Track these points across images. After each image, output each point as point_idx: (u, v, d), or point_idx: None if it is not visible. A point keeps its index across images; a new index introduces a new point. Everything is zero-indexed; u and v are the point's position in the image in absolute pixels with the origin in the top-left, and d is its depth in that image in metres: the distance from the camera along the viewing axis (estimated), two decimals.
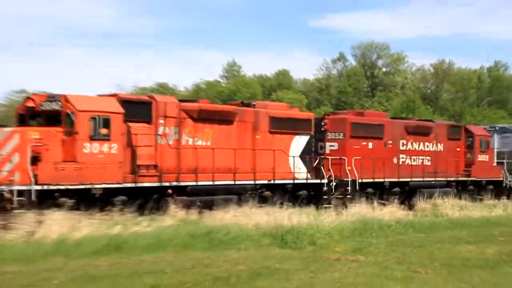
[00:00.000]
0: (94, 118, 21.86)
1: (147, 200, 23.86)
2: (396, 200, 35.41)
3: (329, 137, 31.71)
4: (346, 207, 29.67)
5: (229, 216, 25.37)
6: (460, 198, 34.56)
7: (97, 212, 24.15)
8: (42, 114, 22.28)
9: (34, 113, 22.45)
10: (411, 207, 34.49)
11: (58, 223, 20.64)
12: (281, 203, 27.14)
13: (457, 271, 17.16)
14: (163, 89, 66.56)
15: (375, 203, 33.31)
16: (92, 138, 21.93)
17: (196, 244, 19.62)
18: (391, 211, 31.61)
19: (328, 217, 26.63)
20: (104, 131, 22.12)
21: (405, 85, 72.37)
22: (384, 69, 74.54)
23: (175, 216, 25.26)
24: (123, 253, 17.60)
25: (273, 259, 17.55)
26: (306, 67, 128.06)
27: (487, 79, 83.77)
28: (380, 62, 74.29)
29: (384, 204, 32.89)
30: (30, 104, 22.88)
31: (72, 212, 22.44)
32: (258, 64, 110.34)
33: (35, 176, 20.42)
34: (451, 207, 35.04)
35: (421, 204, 35.40)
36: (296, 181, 28.12)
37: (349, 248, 20.50)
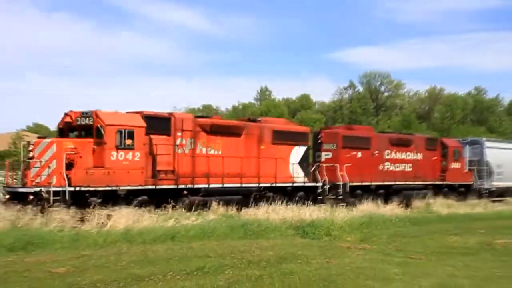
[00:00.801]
0: (120, 131, 22.15)
1: (166, 200, 23.68)
2: (395, 200, 35.54)
3: (324, 148, 32.43)
4: (336, 205, 29.88)
5: (261, 212, 25.27)
6: (435, 198, 35.78)
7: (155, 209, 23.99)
8: (78, 128, 22.69)
9: (71, 127, 22.90)
10: (408, 205, 34.59)
11: (124, 217, 20.57)
12: (283, 202, 27.11)
13: (445, 257, 17.17)
14: (208, 110, 66.70)
15: (379, 202, 33.25)
16: (118, 148, 22.11)
17: (234, 234, 19.71)
18: (392, 209, 31.87)
19: (341, 213, 26.43)
20: (128, 141, 22.38)
21: (403, 106, 71.49)
22: (386, 94, 74.26)
23: (217, 211, 24.87)
24: (176, 241, 17.84)
25: (296, 247, 17.45)
26: (324, 91, 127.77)
27: (470, 101, 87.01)
28: (382, 88, 73.64)
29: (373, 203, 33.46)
30: (68, 119, 23.21)
31: (135, 209, 22.42)
32: (285, 89, 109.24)
33: (69, 179, 20.53)
34: (441, 205, 35.21)
35: (416, 203, 35.48)
36: (294, 184, 28.82)
37: (357, 238, 20.56)
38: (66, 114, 23.39)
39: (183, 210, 23.81)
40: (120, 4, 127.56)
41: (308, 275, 13.43)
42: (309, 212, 26.38)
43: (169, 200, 23.61)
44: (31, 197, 19.97)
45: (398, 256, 16.80)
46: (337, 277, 13.28)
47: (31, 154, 21.14)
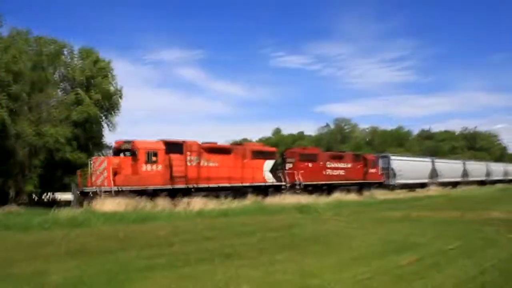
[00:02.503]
0: (148, 152, 23.21)
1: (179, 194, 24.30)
2: (353, 191, 36.27)
3: (288, 161, 33.75)
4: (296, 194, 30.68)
5: (276, 200, 26.81)
6: (362, 190, 38.06)
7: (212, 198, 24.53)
8: (124, 150, 23.58)
9: (120, 150, 23.78)
10: (360, 194, 36.23)
11: (198, 203, 21.94)
12: (263, 195, 28.40)
13: (383, 223, 18.49)
14: (245, 140, 65.96)
15: (344, 192, 33.94)
16: (146, 162, 23.02)
17: (261, 212, 21.02)
18: (351, 196, 33.29)
19: (321, 199, 28.45)
20: (154, 158, 23.30)
21: (357, 137, 70.98)
22: (347, 130, 72.65)
23: (250, 199, 26.11)
24: (228, 217, 19.23)
25: (297, 219, 19.16)
26: (311, 128, 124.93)
27: (395, 133, 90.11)
28: (345, 126, 72.69)
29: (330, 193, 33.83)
30: (117, 145, 24.39)
31: (204, 198, 23.31)
32: (289, 127, 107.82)
33: (114, 182, 21.77)
34: (380, 194, 37.05)
35: (365, 192, 36.90)
36: (266, 184, 30.51)
37: (332, 213, 22.10)
38: (116, 142, 25.24)
39: (227, 198, 24.65)
40: (192, 81, 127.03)
41: (306, 234, 15.25)
42: (304, 199, 27.40)
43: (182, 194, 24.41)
44: (90, 194, 21.78)
45: (355, 224, 18.62)
46: (322, 235, 15.11)
47: (92, 167, 22.70)
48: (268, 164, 30.70)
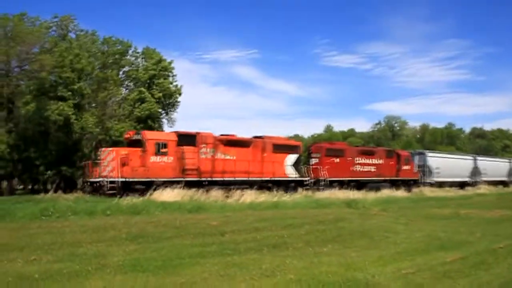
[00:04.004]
0: (157, 143, 22.33)
1: (192, 186, 22.80)
2: (403, 187, 34.79)
3: (313, 156, 31.86)
4: (318, 190, 28.75)
5: (325, 194, 26.07)
6: (392, 188, 34.90)
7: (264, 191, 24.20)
8: (134, 141, 22.86)
9: (130, 141, 23.09)
10: (409, 190, 34.54)
11: (249, 195, 21.67)
12: (283, 191, 25.93)
13: (430, 220, 18.15)
14: (297, 137, 66.08)
15: (393, 188, 33.26)
16: (156, 154, 22.17)
17: (310, 206, 20.62)
18: (400, 193, 32.26)
19: (370, 195, 27.75)
20: (164, 150, 22.35)
21: (408, 135, 69.43)
22: (397, 128, 71.12)
23: (301, 193, 26.16)
24: (278, 209, 19.04)
25: (345, 213, 18.74)
26: (362, 126, 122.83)
27: (445, 131, 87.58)
28: (396, 124, 71.36)
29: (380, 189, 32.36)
30: (128, 136, 23.63)
31: (255, 191, 22.96)
32: (341, 125, 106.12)
33: (121, 173, 21.04)
34: (428, 191, 35.11)
35: (414, 189, 35.26)
36: (287, 179, 28.77)
37: (380, 209, 21.58)
38: (127, 133, 24.67)
39: (279, 192, 23.97)
40: (247, 79, 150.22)
41: (352, 228, 15.08)
42: (353, 194, 26.81)
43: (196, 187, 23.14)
44: (96, 184, 21.52)
45: (403, 219, 18.23)
46: (368, 230, 14.91)
47: (99, 158, 22.29)
48: (291, 158, 28.79)
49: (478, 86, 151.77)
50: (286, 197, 22.75)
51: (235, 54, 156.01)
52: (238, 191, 23.34)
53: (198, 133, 24.68)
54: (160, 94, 38.53)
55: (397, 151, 40.06)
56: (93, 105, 35.13)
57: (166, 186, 21.75)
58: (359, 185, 33.04)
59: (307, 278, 8.44)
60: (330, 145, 35.33)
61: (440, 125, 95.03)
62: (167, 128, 39.59)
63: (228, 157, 25.09)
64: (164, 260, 9.43)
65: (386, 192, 32.00)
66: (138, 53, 40.37)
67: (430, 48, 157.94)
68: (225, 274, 8.54)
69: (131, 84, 39.99)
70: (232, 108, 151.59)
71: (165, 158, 22.35)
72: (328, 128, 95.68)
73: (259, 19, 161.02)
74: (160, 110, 39.07)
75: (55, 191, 23.91)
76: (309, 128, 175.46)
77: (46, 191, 26.30)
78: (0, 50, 29.01)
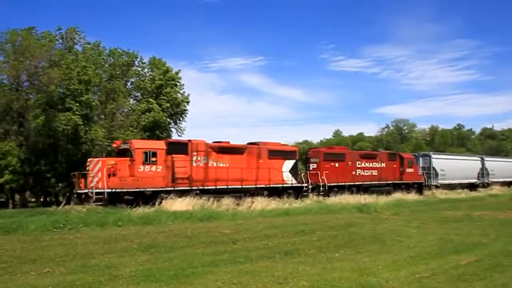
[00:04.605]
0: (145, 152, 21.84)
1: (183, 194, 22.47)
2: (413, 190, 34.47)
3: (311, 161, 31.15)
4: (318, 197, 27.93)
5: (337, 200, 26.00)
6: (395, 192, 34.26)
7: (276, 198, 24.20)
8: (122, 150, 22.55)
9: (119, 150, 22.84)
10: (421, 193, 34.53)
11: (260, 203, 21.87)
12: (276, 197, 25.47)
13: (443, 223, 18.04)
14: (306, 143, 66.38)
15: (405, 192, 32.55)
16: (144, 163, 21.69)
17: (322, 211, 20.75)
18: (411, 196, 31.83)
19: (382, 199, 27.24)
20: (153, 159, 21.91)
21: (418, 138, 69.21)
22: (406, 130, 70.83)
23: (312, 198, 25.98)
24: (289, 215, 19.18)
25: (357, 218, 18.88)
26: (371, 130, 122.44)
27: (455, 133, 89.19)
28: (404, 127, 71.40)
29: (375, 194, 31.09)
30: (115, 145, 23.46)
31: (267, 198, 23.09)
32: (349, 131, 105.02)
33: (109, 184, 20.63)
34: (440, 193, 35.22)
35: (426, 192, 35.27)
36: (284, 185, 27.80)
37: (391, 213, 21.68)
38: (114, 142, 24.42)
39: (291, 198, 24.41)
40: (254, 86, 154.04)
41: (364, 233, 15.07)
42: (363, 198, 26.40)
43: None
44: (83, 196, 20.93)
45: (415, 223, 18.14)
46: (380, 234, 14.88)
47: (87, 168, 21.66)
48: (288, 164, 28.01)
49: (486, 86, 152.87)
50: (297, 204, 22.77)
51: (241, 62, 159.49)
52: (249, 199, 23.37)
53: (189, 141, 24.38)
54: (168, 104, 39.13)
55: (400, 153, 39.44)
56: (102, 116, 35.26)
57: (156, 196, 21.49)
58: (361, 190, 32.14)
59: (320, 284, 8.40)
60: (329, 149, 34.69)
61: (449, 126, 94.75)
62: (176, 137, 40.04)
63: (221, 165, 24.63)
64: (176, 269, 9.42)
65: (397, 195, 31.74)
66: (144, 63, 41.15)
67: (437, 50, 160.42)
68: (238, 282, 8.51)
69: (139, 94, 40.59)
70: (240, 116, 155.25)
71: (154, 167, 21.92)
72: (337, 133, 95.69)
73: (265, 26, 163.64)
74: (168, 119, 39.57)
75: (67, 203, 23.82)
76: (318, 133, 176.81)
77: (58, 203, 26.51)
78: (10, 65, 29.68)
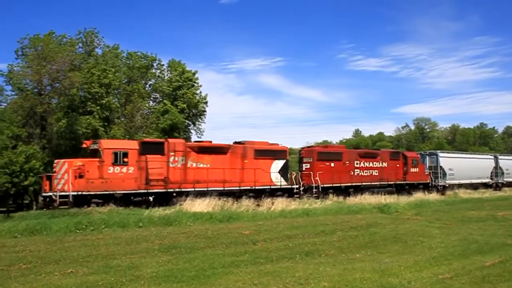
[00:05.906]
0: (115, 152, 20.67)
1: (158, 198, 21.90)
2: (435, 191, 33.86)
3: (304, 161, 29.35)
4: (312, 198, 25.43)
5: (357, 200, 25.82)
6: (398, 193, 32.27)
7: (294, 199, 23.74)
8: (92, 151, 21.57)
9: (90, 151, 21.75)
10: (443, 193, 33.43)
11: (280, 203, 21.73)
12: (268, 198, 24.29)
13: (466, 223, 17.78)
14: (326, 142, 66.33)
15: (426, 192, 31.90)
16: (114, 164, 20.56)
17: (342, 212, 20.66)
18: (433, 196, 31.42)
19: (403, 199, 26.97)
20: (124, 159, 20.75)
21: (439, 137, 68.17)
22: (428, 130, 69.73)
23: (332, 199, 25.80)
24: (309, 216, 19.08)
25: (377, 218, 18.71)
26: (391, 130, 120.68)
27: (477, 131, 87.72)
28: (426, 126, 69.90)
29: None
30: (85, 145, 22.27)
31: (286, 198, 22.88)
32: (369, 130, 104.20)
33: (74, 186, 19.61)
34: (463, 193, 34.25)
35: (448, 191, 34.09)
36: (272, 187, 25.96)
37: (413, 213, 21.46)
38: (84, 142, 23.21)
39: (310, 199, 23.76)
40: (273, 87, 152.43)
41: (385, 234, 14.97)
42: (384, 199, 26.05)
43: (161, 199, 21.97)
44: (47, 199, 19.96)
45: (437, 223, 17.97)
46: (402, 235, 14.74)
47: (54, 170, 20.71)
48: (277, 164, 26.26)
49: (509, 83, 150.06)
50: (317, 204, 22.60)
51: (260, 63, 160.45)
52: (268, 199, 23.20)
53: (166, 140, 23.56)
54: (185, 105, 39.68)
55: (403, 152, 37.27)
56: (122, 118, 35.82)
57: (128, 199, 20.73)
58: (359, 191, 30.08)
59: (341, 285, 8.39)
60: (323, 148, 32.91)
61: (471, 125, 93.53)
62: (195, 139, 40.34)
63: (201, 165, 23.24)
64: (197, 270, 9.49)
65: (418, 195, 31.12)
66: (163, 65, 41.78)
67: (457, 47, 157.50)
68: (259, 283, 8.55)
69: (158, 95, 41.17)
70: (259, 117, 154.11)
71: (125, 169, 20.67)
72: (357, 133, 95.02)
73: (283, 27, 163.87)
74: (186, 120, 40.01)
75: (88, 205, 24.68)
76: (337, 134, 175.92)
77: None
78: (32, 69, 30.35)
